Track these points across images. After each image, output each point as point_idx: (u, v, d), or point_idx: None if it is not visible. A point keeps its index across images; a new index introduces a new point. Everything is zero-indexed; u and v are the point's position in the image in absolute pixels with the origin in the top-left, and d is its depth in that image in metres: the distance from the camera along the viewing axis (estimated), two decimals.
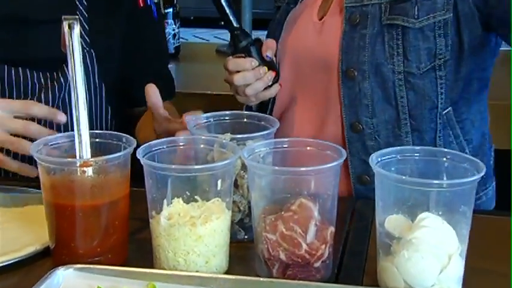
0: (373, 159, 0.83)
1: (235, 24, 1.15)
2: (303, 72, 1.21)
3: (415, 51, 1.11)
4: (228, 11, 1.14)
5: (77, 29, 0.97)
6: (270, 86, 1.16)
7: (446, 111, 1.16)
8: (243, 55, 1.15)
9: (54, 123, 1.06)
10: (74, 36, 0.96)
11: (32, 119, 1.05)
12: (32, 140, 0.98)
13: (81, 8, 1.20)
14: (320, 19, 1.19)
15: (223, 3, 1.13)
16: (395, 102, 1.14)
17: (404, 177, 0.80)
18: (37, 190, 0.96)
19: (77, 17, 0.99)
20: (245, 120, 1.03)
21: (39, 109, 1.03)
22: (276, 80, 1.17)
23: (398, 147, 0.87)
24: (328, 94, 1.19)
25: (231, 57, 1.16)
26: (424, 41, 1.11)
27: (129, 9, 1.25)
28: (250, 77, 1.14)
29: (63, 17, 0.99)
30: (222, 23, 1.16)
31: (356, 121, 1.16)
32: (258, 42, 1.16)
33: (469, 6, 1.10)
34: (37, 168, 0.88)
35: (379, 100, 1.15)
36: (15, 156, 1.06)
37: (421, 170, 0.85)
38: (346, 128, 1.17)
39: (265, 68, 1.15)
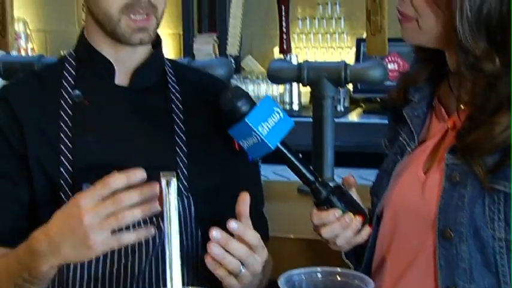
0: None
1: (311, 178, 1.15)
2: (401, 226, 1.18)
3: None
4: (301, 167, 1.14)
5: (174, 186, 0.99)
6: (360, 230, 1.14)
7: None
8: (326, 206, 1.14)
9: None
10: (171, 193, 0.98)
11: None
12: None
13: (181, 154, 1.21)
14: (425, 173, 1.17)
15: (295, 161, 1.14)
16: (496, 270, 1.08)
17: None
18: None
19: (174, 173, 1.01)
20: (338, 278, 1.00)
21: (116, 181, 0.99)
22: (365, 222, 1.15)
23: None
24: (423, 253, 1.14)
25: (314, 210, 1.16)
26: None
27: (224, 152, 1.26)
28: (337, 228, 1.13)
29: (161, 173, 1.01)
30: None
31: (452, 285, 1.10)
32: (339, 190, 1.16)
33: None
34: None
35: (478, 265, 1.09)
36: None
37: None
38: None
39: (351, 215, 1.14)
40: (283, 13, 1.98)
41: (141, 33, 1.16)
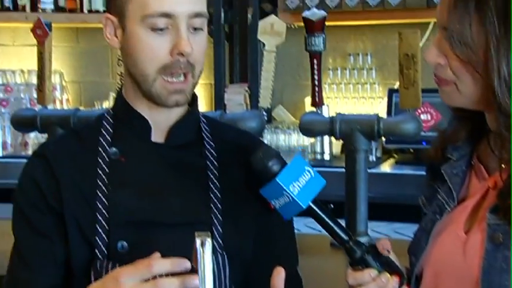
0: None
1: (344, 238, 1.13)
2: (443, 287, 1.15)
3: None
4: (334, 226, 1.13)
5: (208, 246, 0.98)
6: None
7: None
8: (361, 266, 1.12)
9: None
10: (205, 253, 0.97)
11: None
12: None
13: (215, 211, 1.20)
14: (466, 233, 1.15)
15: (328, 221, 1.12)
16: None
17: None
18: None
19: (209, 233, 1.01)
20: None
21: (160, 266, 1.00)
22: (402, 282, 1.12)
23: None
24: None
25: (349, 269, 1.14)
26: None
27: (259, 209, 1.25)
28: None
29: (196, 233, 1.01)
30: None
31: None
32: (373, 249, 1.13)
33: None
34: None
35: None
36: None
37: None
38: None
39: (387, 275, 1.11)
40: (316, 66, 1.98)
41: (177, 95, 1.17)
